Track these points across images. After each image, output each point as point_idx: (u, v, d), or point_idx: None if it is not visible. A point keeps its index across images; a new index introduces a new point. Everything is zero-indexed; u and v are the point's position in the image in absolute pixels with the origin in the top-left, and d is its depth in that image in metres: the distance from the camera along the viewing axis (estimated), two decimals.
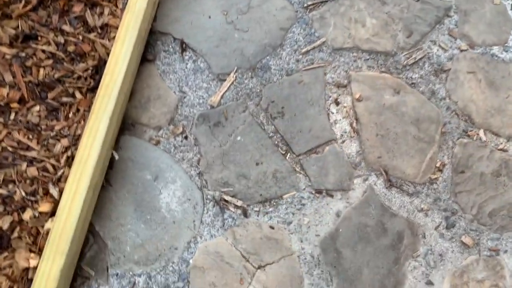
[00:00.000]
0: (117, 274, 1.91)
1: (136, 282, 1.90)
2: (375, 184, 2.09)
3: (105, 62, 1.97)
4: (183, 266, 1.92)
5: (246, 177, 2.04)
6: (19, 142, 1.90)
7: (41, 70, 2.01)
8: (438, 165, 2.14)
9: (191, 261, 1.92)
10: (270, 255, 1.96)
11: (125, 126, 2.03)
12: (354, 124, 2.18)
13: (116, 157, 2.01)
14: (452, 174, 2.12)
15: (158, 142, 2.08)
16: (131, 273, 1.91)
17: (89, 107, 1.97)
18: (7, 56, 1.99)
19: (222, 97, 2.19)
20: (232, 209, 2.00)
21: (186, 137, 2.09)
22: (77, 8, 2.11)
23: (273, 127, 2.14)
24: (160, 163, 2.03)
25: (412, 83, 2.25)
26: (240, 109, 2.15)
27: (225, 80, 2.21)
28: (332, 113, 2.18)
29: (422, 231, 2.04)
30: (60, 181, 1.87)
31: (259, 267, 1.94)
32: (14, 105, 1.95)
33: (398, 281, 1.98)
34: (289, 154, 2.10)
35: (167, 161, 2.04)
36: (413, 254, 2.02)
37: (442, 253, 2.02)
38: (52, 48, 2.04)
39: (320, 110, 2.17)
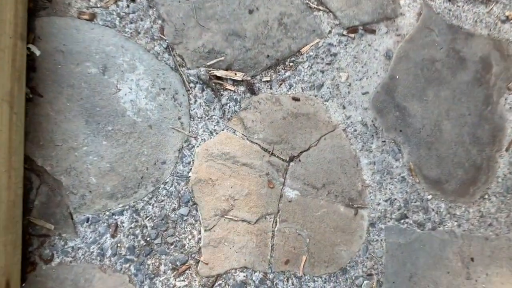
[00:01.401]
0: (87, 220, 1.25)
1: (119, 223, 1.25)
2: None
3: None
4: (182, 185, 1.26)
5: (240, 35, 1.31)
6: None
7: None
8: None
9: (191, 174, 1.26)
10: (303, 138, 1.30)
11: (37, 3, 1.31)
12: None
13: (37, 52, 1.28)
14: None
15: (93, 16, 1.32)
16: (107, 212, 1.25)
17: None
18: None
19: None
20: (230, 87, 1.30)
21: None
22: None
23: None
24: (105, 46, 1.30)
25: None
26: None
27: None
28: None
29: None
30: None
31: (292, 159, 1.28)
32: None
33: (496, 126, 1.34)
34: None
35: (114, 40, 1.31)
36: (508, 84, 1.34)
37: None
38: None
39: None
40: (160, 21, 1.40)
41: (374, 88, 1.38)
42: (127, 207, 1.33)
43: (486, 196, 1.37)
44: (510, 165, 1.38)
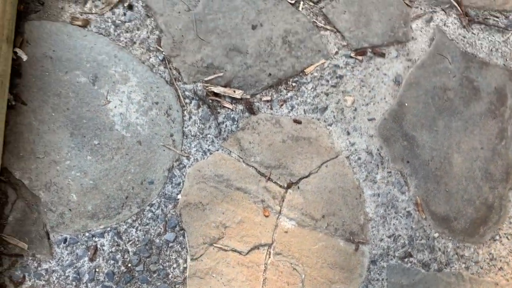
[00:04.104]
0: (65, 240, 1.18)
1: (99, 246, 1.18)
2: (445, 24, 1.32)
3: None
4: (169, 207, 1.20)
5: (241, 51, 1.27)
6: None
7: None
8: None
9: (180, 196, 1.19)
10: (304, 163, 1.24)
11: (28, 5, 1.26)
12: None
13: (24, 57, 1.24)
14: None
15: (87, 23, 1.28)
16: (87, 233, 1.18)
17: None
18: None
19: None
20: (228, 105, 1.25)
21: (130, 6, 1.29)
22: None
23: None
24: (97, 55, 1.25)
25: None
26: None
27: None
28: None
29: None
30: None
31: (290, 186, 1.22)
32: None
33: (510, 163, 1.31)
34: (302, 2, 1.33)
35: (107, 49, 1.26)
36: None
37: None
38: None
39: None
40: (157, 32, 1.36)
41: (381, 115, 1.33)
42: (108, 228, 1.26)
43: (497, 237, 1.30)
44: None
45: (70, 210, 1.28)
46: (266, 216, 1.29)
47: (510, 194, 1.33)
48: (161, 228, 1.28)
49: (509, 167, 1.34)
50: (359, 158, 1.33)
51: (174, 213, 1.29)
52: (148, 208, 1.29)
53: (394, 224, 1.31)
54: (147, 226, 1.28)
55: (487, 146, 1.34)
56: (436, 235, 1.31)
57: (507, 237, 1.31)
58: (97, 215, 1.28)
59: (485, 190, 1.32)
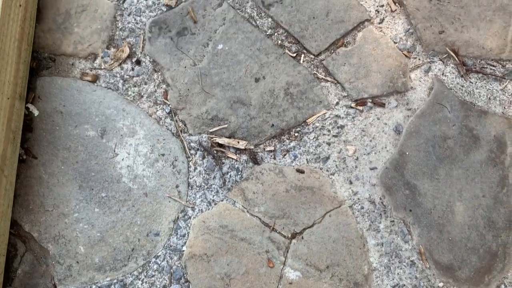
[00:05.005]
0: None
1: None
2: (443, 73, 1.38)
3: None
4: (174, 259, 1.23)
5: (245, 103, 1.32)
6: None
7: None
8: None
9: (185, 248, 1.22)
10: (307, 213, 1.27)
11: (40, 62, 1.32)
12: None
13: (35, 112, 1.30)
14: None
15: (96, 78, 1.34)
16: (94, 286, 1.21)
17: None
18: None
19: None
20: (232, 156, 1.29)
21: (138, 62, 1.36)
22: None
23: (270, 19, 1.41)
24: (105, 109, 1.31)
25: None
26: (213, 2, 1.42)
27: None
28: None
29: None
30: None
31: (294, 236, 1.25)
32: None
33: None
34: (303, 55, 1.38)
35: (115, 103, 1.32)
36: None
37: None
38: None
39: None
40: (164, 86, 1.42)
41: (382, 164, 1.36)
42: (115, 281, 1.29)
43: (503, 286, 1.31)
44: None
45: (77, 262, 1.31)
46: (271, 267, 1.31)
47: None
48: (166, 280, 1.30)
49: (511, 215, 1.36)
50: (362, 207, 1.36)
51: (179, 265, 1.31)
52: (153, 260, 1.32)
53: (398, 273, 1.32)
54: (153, 278, 1.30)
55: (489, 194, 1.37)
56: (441, 284, 1.31)
57: None
58: (103, 268, 1.31)
59: (488, 238, 1.34)
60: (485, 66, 1.47)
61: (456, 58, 1.46)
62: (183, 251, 1.32)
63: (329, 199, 1.36)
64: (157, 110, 1.42)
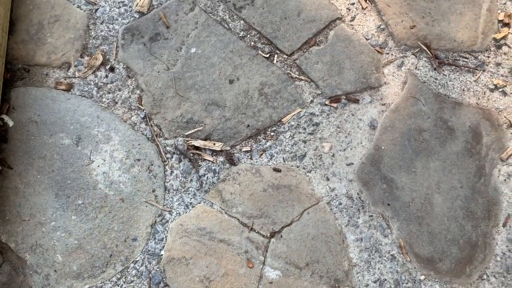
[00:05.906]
0: None
1: None
2: (416, 67, 1.40)
3: None
4: (153, 264, 1.22)
5: (219, 105, 1.33)
6: None
7: None
8: (501, 17, 1.45)
9: (163, 252, 1.22)
10: (285, 211, 1.28)
11: (14, 73, 1.34)
12: None
13: (10, 123, 1.31)
14: None
15: (70, 86, 1.36)
16: None
17: None
18: None
19: None
20: (208, 158, 1.30)
21: (112, 69, 1.37)
22: None
23: (242, 22, 1.43)
24: (80, 117, 1.32)
25: None
26: (185, 7, 1.44)
27: None
28: None
29: (506, 118, 1.37)
30: None
31: (273, 235, 1.25)
32: None
33: (491, 200, 1.33)
34: (276, 55, 1.40)
35: (90, 111, 1.33)
36: (501, 155, 1.33)
37: None
38: None
39: None
40: (138, 91, 1.43)
41: (359, 159, 1.37)
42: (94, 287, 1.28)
43: (485, 277, 1.31)
44: (509, 242, 1.33)
45: (55, 271, 1.31)
46: (250, 267, 1.31)
47: (494, 231, 1.35)
48: (145, 285, 1.30)
49: (490, 204, 1.36)
50: (340, 203, 1.36)
51: (158, 269, 1.31)
52: (132, 265, 1.31)
53: (379, 268, 1.32)
54: (132, 284, 1.30)
55: (467, 185, 1.37)
56: (422, 277, 1.31)
57: (494, 276, 1.32)
58: (82, 275, 1.31)
59: (467, 229, 1.34)
60: (458, 58, 1.48)
61: (429, 52, 1.48)
62: (162, 255, 1.32)
63: (307, 196, 1.37)
64: (131, 116, 1.43)
